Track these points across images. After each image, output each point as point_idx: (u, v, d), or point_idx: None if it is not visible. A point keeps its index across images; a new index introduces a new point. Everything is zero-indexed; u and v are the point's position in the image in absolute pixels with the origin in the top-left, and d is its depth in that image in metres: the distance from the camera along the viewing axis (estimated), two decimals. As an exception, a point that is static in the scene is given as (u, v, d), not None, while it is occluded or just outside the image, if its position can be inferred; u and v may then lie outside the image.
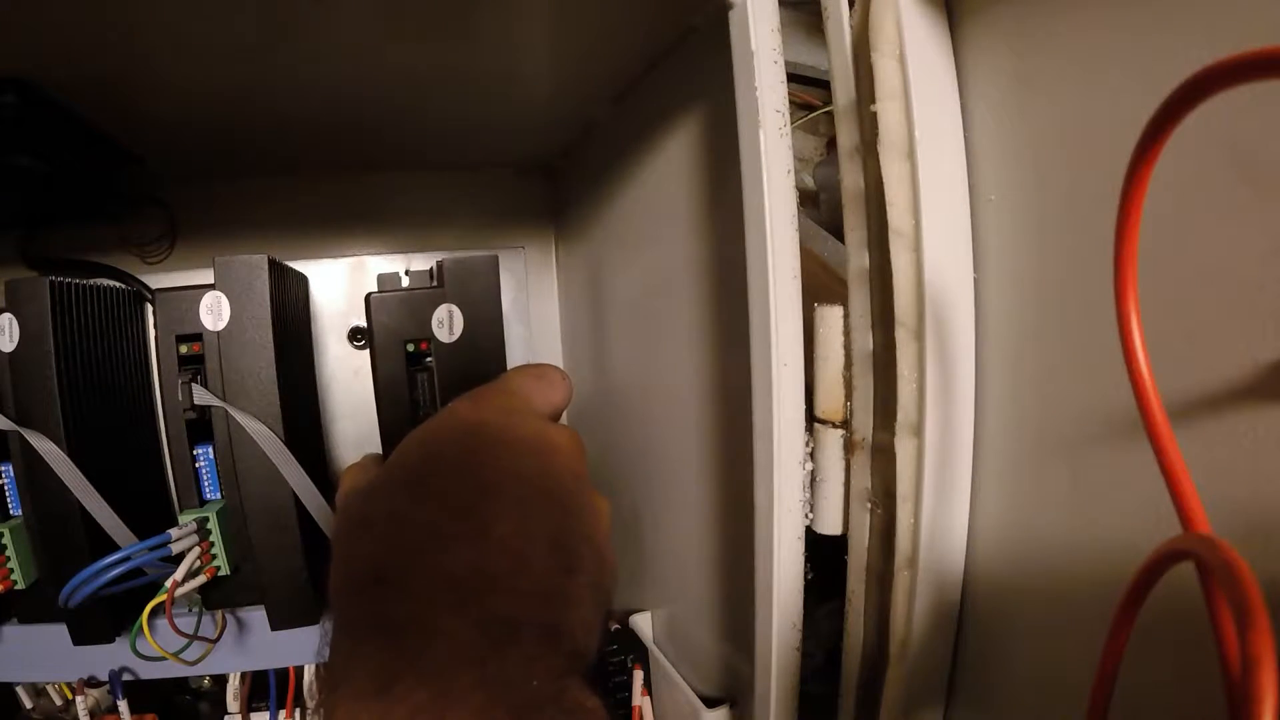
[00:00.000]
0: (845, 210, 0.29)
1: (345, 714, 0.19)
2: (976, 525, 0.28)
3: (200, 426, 0.44)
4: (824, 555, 0.32)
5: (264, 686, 0.50)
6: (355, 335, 0.60)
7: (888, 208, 0.27)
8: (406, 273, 0.56)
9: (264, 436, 0.42)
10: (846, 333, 0.30)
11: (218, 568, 0.44)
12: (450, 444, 0.26)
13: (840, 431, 0.30)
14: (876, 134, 0.27)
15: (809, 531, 0.30)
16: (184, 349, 0.44)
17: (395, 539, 0.23)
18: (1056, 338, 0.25)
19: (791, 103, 0.31)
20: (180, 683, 0.54)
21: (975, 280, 0.28)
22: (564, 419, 0.67)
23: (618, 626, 0.48)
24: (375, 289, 0.46)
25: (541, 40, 0.36)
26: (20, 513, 0.44)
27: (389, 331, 0.45)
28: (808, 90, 0.61)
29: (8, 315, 0.41)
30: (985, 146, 0.27)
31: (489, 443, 0.26)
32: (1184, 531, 0.15)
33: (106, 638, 0.45)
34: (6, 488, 0.45)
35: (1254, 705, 0.11)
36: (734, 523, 0.34)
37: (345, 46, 0.34)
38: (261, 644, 0.47)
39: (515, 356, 0.62)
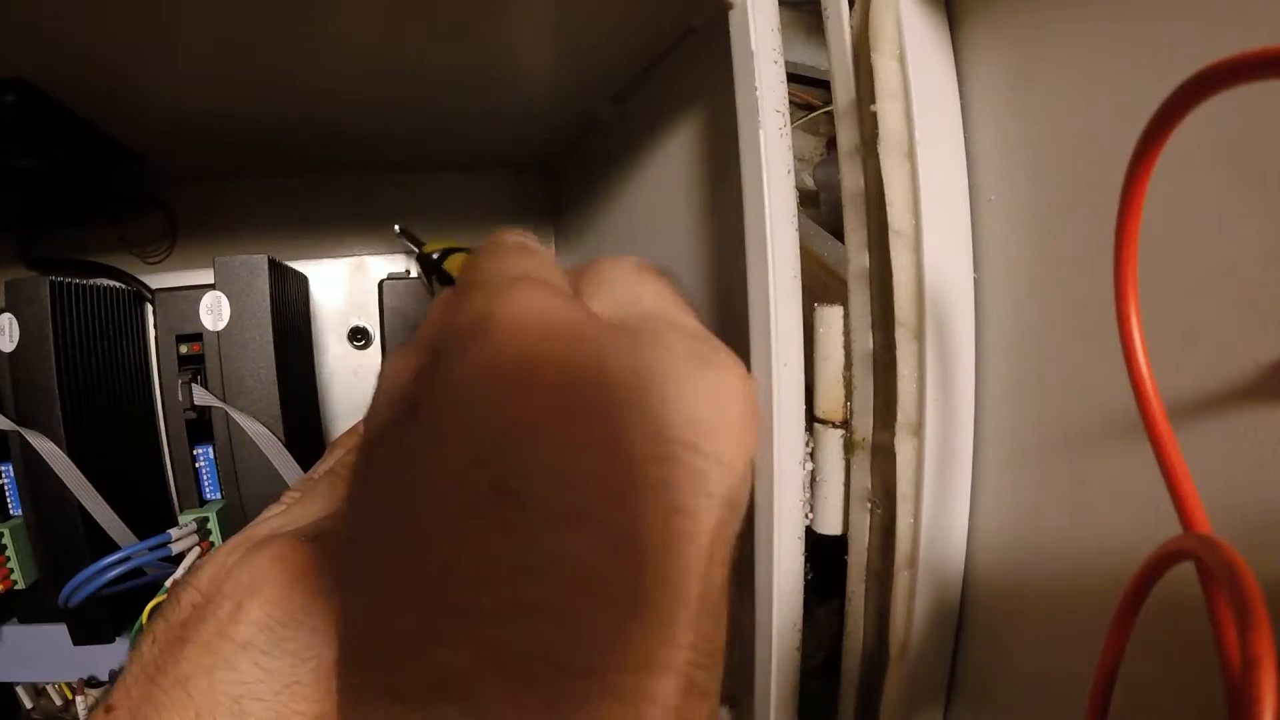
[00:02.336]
0: (845, 210, 0.29)
1: None
2: (976, 525, 0.28)
3: (200, 426, 0.44)
4: (824, 555, 0.32)
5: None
6: (355, 335, 0.60)
7: (888, 208, 0.27)
8: (407, 273, 0.56)
9: (264, 437, 0.42)
10: (846, 333, 0.30)
11: (218, 568, 0.44)
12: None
13: (840, 431, 0.30)
14: (876, 134, 0.27)
15: (809, 531, 0.30)
16: (184, 349, 0.44)
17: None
18: (1056, 338, 0.25)
19: (791, 103, 0.31)
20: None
21: (975, 280, 0.28)
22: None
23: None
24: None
25: (541, 40, 0.36)
26: (20, 513, 0.44)
27: (398, 315, 0.46)
28: (808, 90, 0.61)
29: (8, 315, 0.41)
30: (985, 146, 0.27)
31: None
32: (1184, 531, 0.15)
33: (106, 638, 0.45)
34: (6, 488, 0.45)
35: (1254, 705, 0.11)
36: (734, 523, 0.34)
37: (345, 46, 0.34)
38: (262, 644, 0.47)
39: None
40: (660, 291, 0.18)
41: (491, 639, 0.12)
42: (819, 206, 0.53)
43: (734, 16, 0.28)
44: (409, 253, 0.61)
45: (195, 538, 0.43)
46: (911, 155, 0.26)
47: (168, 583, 0.41)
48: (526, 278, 0.14)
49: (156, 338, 0.45)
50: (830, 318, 0.30)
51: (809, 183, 0.57)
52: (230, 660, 0.15)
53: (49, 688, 0.50)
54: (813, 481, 0.31)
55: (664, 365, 0.14)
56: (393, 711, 0.13)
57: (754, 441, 0.15)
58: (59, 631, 0.44)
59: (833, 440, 0.30)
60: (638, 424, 0.13)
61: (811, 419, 0.31)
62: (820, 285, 0.33)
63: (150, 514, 0.47)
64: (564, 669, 0.12)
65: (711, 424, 0.14)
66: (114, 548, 0.42)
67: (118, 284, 0.51)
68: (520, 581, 0.12)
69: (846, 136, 0.29)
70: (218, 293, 0.43)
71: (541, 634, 0.12)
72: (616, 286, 0.18)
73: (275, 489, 0.43)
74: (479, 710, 0.12)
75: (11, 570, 0.43)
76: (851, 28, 0.28)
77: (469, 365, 0.13)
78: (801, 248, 0.28)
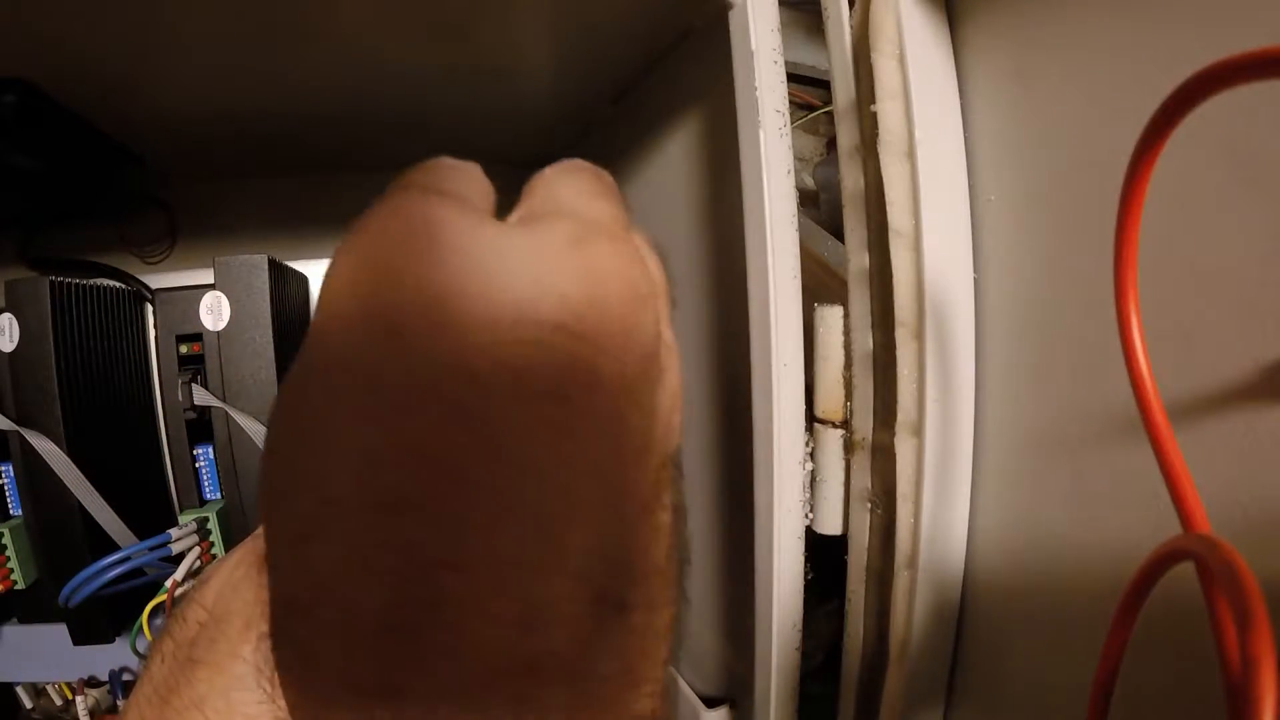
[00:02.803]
0: (845, 210, 0.29)
1: None
2: (976, 525, 0.28)
3: (200, 426, 0.44)
4: (824, 555, 0.32)
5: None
6: (355, 335, 0.60)
7: (888, 208, 0.27)
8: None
9: (263, 437, 0.42)
10: (846, 333, 0.30)
11: (218, 568, 0.44)
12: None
13: (840, 431, 0.30)
14: (876, 134, 0.27)
15: (809, 531, 0.30)
16: (184, 349, 0.44)
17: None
18: (1056, 338, 0.25)
19: (791, 103, 0.31)
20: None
21: (975, 280, 0.28)
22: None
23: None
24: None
25: (541, 40, 0.36)
26: (20, 513, 0.44)
27: None
28: (808, 90, 0.61)
29: (8, 315, 0.41)
30: (985, 146, 0.27)
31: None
32: (1184, 531, 0.15)
33: (106, 638, 0.45)
34: (6, 488, 0.45)
35: (1254, 705, 0.11)
36: (734, 523, 0.34)
37: (346, 47, 0.34)
38: (262, 644, 0.47)
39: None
40: (578, 185, 0.17)
41: (359, 532, 0.12)
42: (819, 206, 0.53)
43: (734, 16, 0.28)
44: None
45: (195, 538, 0.43)
46: (911, 155, 0.26)
47: (167, 582, 0.41)
48: (411, 186, 0.14)
49: (156, 338, 0.45)
50: (830, 318, 0.30)
51: (809, 183, 0.57)
52: (244, 680, 0.15)
53: (49, 688, 0.50)
54: (813, 481, 0.31)
55: (539, 251, 0.13)
56: (282, 615, 0.13)
57: (646, 326, 0.14)
58: (59, 631, 0.44)
59: (833, 440, 0.30)
60: (499, 309, 0.12)
61: (811, 419, 0.31)
62: (820, 285, 0.33)
63: (150, 514, 0.47)
64: (433, 564, 0.12)
65: (584, 305, 0.13)
66: (114, 548, 0.42)
67: (118, 284, 0.51)
68: (382, 472, 0.12)
69: (846, 136, 0.29)
70: (218, 293, 0.43)
71: (406, 527, 0.12)
72: (540, 189, 0.18)
73: (275, 489, 0.43)
74: (352, 610, 0.12)
75: (11, 570, 0.43)
76: (851, 28, 0.28)
77: (335, 273, 0.13)
78: (801, 248, 0.28)
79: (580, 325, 0.13)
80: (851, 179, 0.29)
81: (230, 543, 0.44)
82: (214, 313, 0.43)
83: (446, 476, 0.12)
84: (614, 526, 0.13)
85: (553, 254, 0.13)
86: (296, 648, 0.13)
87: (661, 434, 0.14)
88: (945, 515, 0.28)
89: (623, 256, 0.14)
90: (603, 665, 0.13)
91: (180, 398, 0.44)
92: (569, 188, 0.17)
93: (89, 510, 0.42)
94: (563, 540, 0.13)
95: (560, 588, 0.13)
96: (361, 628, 0.12)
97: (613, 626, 0.13)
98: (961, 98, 0.28)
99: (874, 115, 0.27)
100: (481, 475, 0.12)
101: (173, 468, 0.46)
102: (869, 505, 0.29)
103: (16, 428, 0.41)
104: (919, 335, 0.26)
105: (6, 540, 0.43)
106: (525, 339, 0.12)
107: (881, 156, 0.27)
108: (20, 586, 0.43)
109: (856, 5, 0.28)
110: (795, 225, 0.28)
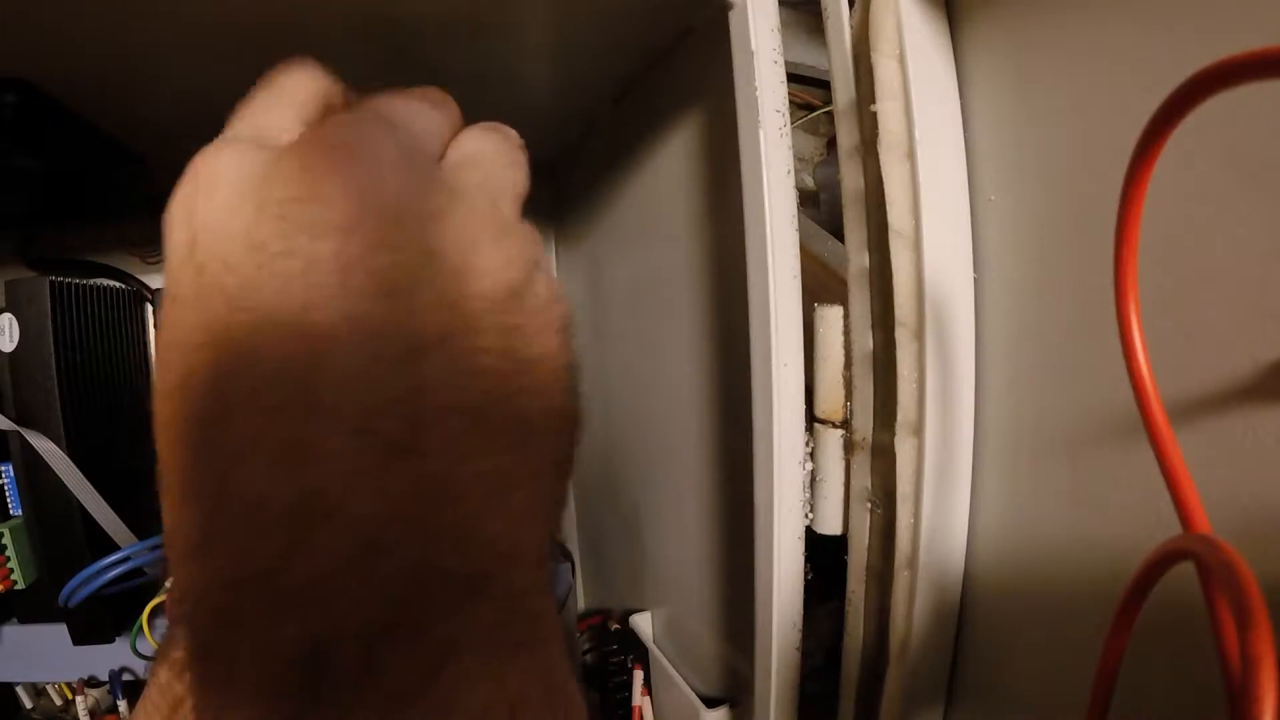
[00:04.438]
0: (845, 210, 0.29)
1: None
2: (976, 525, 0.28)
3: (200, 426, 0.44)
4: (824, 555, 0.32)
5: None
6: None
7: (888, 208, 0.27)
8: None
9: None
10: (846, 333, 0.30)
11: (218, 568, 0.44)
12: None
13: (840, 431, 0.30)
14: (876, 134, 0.27)
15: (809, 531, 0.30)
16: (184, 349, 0.44)
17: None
18: (1057, 337, 0.25)
19: (791, 103, 0.31)
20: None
21: (975, 280, 0.28)
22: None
23: (618, 626, 0.48)
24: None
25: (541, 41, 0.36)
26: (20, 513, 0.44)
27: None
28: (808, 90, 0.61)
29: (8, 315, 0.41)
30: (985, 146, 0.27)
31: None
32: (1184, 531, 0.15)
33: (106, 638, 0.45)
34: (6, 488, 0.45)
35: (1254, 705, 0.11)
36: (734, 523, 0.34)
37: (347, 48, 0.34)
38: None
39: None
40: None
41: (166, 410, 0.14)
42: (819, 206, 0.53)
43: (734, 16, 0.28)
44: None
45: (195, 538, 0.43)
46: (911, 155, 0.26)
47: (167, 583, 0.41)
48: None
49: (156, 337, 0.45)
50: (830, 318, 0.30)
51: (809, 183, 0.57)
52: None
53: (49, 688, 0.50)
54: (813, 481, 0.31)
55: (290, 155, 0.15)
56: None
57: (369, 169, 0.15)
58: (59, 631, 0.44)
59: (833, 440, 0.30)
60: (251, 209, 0.14)
61: (811, 419, 0.31)
62: (820, 285, 0.33)
63: (150, 514, 0.47)
64: (200, 421, 0.13)
65: (296, 171, 0.14)
66: (114, 548, 0.42)
67: (118, 284, 0.51)
68: (170, 362, 0.14)
69: (846, 136, 0.29)
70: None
71: (188, 400, 0.14)
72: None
73: (275, 489, 0.43)
74: (170, 470, 0.14)
75: (11, 570, 0.43)
76: (851, 28, 0.28)
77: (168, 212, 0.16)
78: (801, 248, 0.28)
79: (297, 188, 0.14)
80: (851, 179, 0.29)
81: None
82: (214, 313, 0.44)
83: (211, 348, 0.14)
84: (371, 365, 0.13)
85: (294, 151, 0.15)
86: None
87: (452, 270, 0.15)
88: (945, 515, 0.28)
89: (347, 126, 0.16)
90: (381, 508, 0.13)
91: (180, 398, 0.44)
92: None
93: (89, 510, 0.42)
94: (309, 379, 0.13)
95: (315, 425, 0.13)
96: (176, 490, 0.14)
97: (393, 470, 0.13)
98: (961, 98, 0.28)
99: (874, 115, 0.27)
100: (230, 332, 0.13)
101: (173, 467, 0.46)
102: (869, 505, 0.29)
103: (16, 428, 0.41)
104: (919, 335, 0.26)
105: (6, 540, 0.43)
106: (271, 216, 0.14)
107: (881, 156, 0.27)
108: (20, 586, 0.43)
109: (856, 5, 0.28)
110: (795, 225, 0.28)
